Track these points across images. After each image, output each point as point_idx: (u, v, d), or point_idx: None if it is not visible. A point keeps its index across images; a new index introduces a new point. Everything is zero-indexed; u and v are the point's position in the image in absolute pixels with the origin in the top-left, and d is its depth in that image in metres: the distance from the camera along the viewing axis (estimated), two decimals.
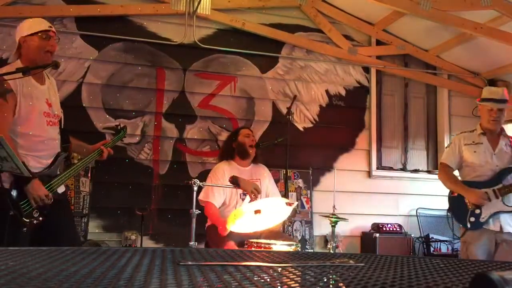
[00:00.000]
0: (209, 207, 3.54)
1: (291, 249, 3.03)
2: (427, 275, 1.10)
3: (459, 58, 5.44)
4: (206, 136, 4.83)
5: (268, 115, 5.03)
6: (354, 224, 4.99)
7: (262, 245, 2.98)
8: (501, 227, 3.30)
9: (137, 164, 4.62)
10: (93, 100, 4.56)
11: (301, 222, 4.87)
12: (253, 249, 2.86)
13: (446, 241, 4.87)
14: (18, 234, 2.39)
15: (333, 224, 3.65)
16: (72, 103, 4.42)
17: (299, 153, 4.96)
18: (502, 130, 3.54)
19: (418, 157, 5.61)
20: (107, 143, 3.00)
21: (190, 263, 1.18)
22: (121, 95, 4.65)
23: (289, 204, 3.16)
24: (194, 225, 3.05)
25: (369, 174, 5.28)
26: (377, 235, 4.78)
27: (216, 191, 3.56)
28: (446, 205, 3.64)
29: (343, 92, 5.31)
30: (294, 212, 4.63)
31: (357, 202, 5.10)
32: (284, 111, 4.65)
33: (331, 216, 3.57)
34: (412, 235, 4.90)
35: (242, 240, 3.20)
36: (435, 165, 5.56)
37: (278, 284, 0.96)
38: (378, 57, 5.45)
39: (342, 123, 5.23)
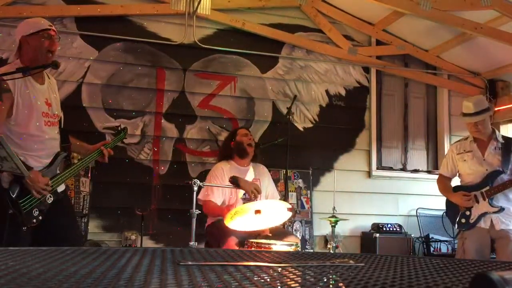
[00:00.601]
0: (208, 204, 3.53)
1: (291, 249, 3.03)
2: (427, 275, 1.10)
3: (459, 58, 5.44)
4: (206, 136, 4.83)
5: (268, 115, 5.03)
6: (354, 224, 4.99)
7: (262, 245, 2.98)
8: (492, 225, 3.50)
9: (137, 164, 4.62)
10: (93, 100, 4.56)
11: (301, 222, 4.87)
12: (253, 249, 2.86)
13: (446, 241, 4.87)
14: (18, 233, 2.39)
15: (333, 224, 3.66)
16: (72, 103, 4.42)
17: (299, 153, 4.95)
18: (493, 132, 3.65)
19: (418, 157, 5.60)
20: (107, 143, 3.00)
21: (190, 263, 1.18)
22: (121, 95, 4.65)
23: (290, 210, 3.20)
24: (194, 225, 3.05)
25: (369, 174, 5.28)
26: (377, 235, 4.78)
27: (215, 190, 3.57)
28: (445, 206, 3.81)
29: (343, 92, 5.30)
30: (294, 212, 4.64)
31: (357, 202, 5.10)
32: (284, 111, 4.66)
33: (331, 217, 3.58)
34: (412, 235, 4.90)
35: (244, 236, 3.21)
36: (435, 165, 5.56)
37: (278, 284, 0.96)
38: (378, 57, 5.45)
39: (342, 123, 5.23)
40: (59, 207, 2.62)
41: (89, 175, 4.36)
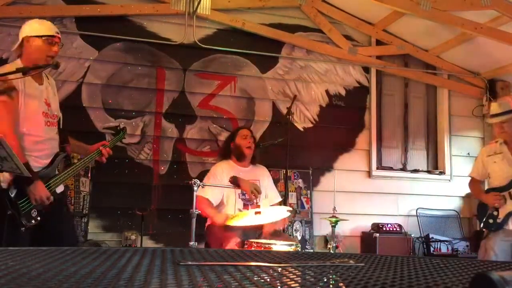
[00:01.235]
0: (201, 201, 3.47)
1: (291, 249, 3.03)
2: (427, 275, 1.10)
3: (459, 58, 5.44)
4: (206, 136, 4.83)
5: (268, 115, 5.03)
6: (354, 224, 4.99)
7: (262, 245, 2.98)
8: None
9: (137, 164, 4.62)
10: (93, 100, 4.56)
11: (301, 222, 4.87)
12: (253, 249, 2.86)
13: (446, 241, 4.87)
14: (16, 233, 2.39)
15: (333, 224, 3.66)
16: (72, 103, 4.42)
17: (299, 153, 4.95)
18: None
19: (418, 157, 5.60)
20: (106, 144, 3.00)
21: (190, 263, 1.18)
22: (121, 95, 4.65)
23: (289, 212, 3.22)
24: (194, 225, 3.05)
25: (369, 174, 5.28)
26: (377, 235, 4.78)
27: (212, 188, 3.55)
28: (445, 205, 3.78)
29: (343, 92, 5.30)
30: (294, 213, 4.63)
31: (357, 202, 5.10)
32: (284, 111, 4.66)
33: (331, 217, 3.58)
34: (412, 235, 4.90)
35: (244, 234, 3.21)
36: (435, 165, 5.56)
37: (278, 284, 0.96)
38: (378, 57, 5.45)
39: (342, 123, 5.23)
40: (57, 207, 2.62)
41: (89, 175, 4.36)
